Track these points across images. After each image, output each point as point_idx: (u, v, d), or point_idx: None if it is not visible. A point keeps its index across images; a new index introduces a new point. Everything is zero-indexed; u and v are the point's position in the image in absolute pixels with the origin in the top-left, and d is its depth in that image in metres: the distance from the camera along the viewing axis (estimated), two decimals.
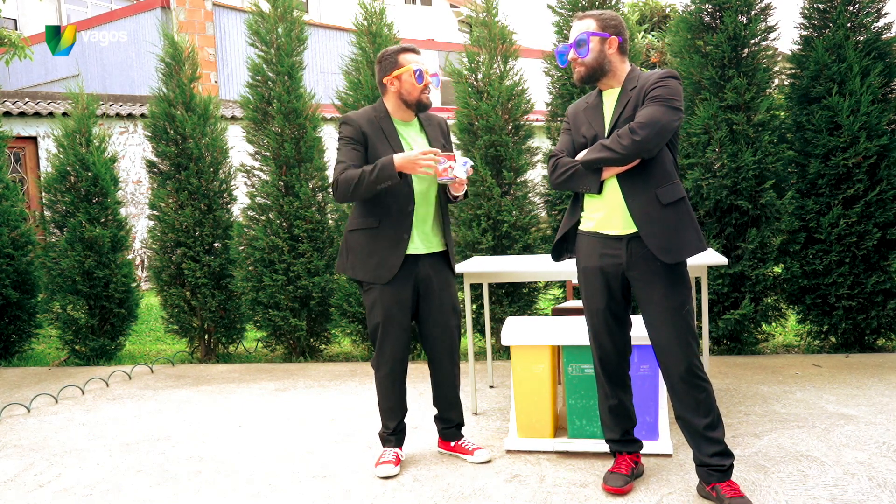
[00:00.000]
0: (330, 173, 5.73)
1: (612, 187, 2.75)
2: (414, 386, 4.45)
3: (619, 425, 2.95)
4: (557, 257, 2.97)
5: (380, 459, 3.22)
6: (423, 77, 3.09)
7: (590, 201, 2.83)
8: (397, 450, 3.25)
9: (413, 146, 3.15)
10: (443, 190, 3.19)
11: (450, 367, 3.26)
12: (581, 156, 2.77)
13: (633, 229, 2.73)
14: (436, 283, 3.16)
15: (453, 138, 5.41)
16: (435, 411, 3.45)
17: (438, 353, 3.24)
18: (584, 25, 2.78)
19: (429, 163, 2.92)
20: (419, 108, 3.15)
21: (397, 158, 2.93)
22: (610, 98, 2.81)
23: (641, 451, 3.07)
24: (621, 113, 2.73)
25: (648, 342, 3.10)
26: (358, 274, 3.13)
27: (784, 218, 4.85)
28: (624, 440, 2.97)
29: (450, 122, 3.88)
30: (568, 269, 3.68)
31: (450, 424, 3.34)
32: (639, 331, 3.06)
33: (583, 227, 2.87)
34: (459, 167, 2.97)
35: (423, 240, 3.13)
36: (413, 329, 3.85)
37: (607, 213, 2.78)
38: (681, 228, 2.70)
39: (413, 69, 3.07)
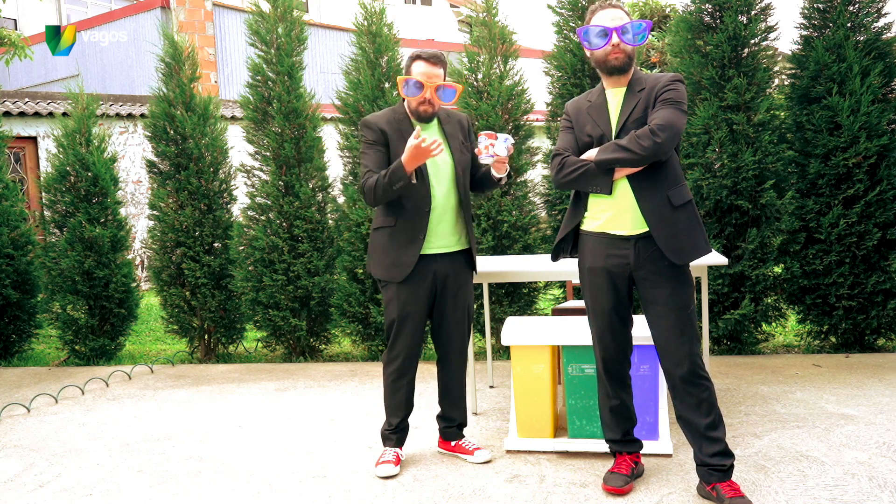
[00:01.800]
0: (330, 173, 5.73)
1: (623, 188, 2.72)
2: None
3: (620, 425, 2.95)
4: (555, 257, 2.97)
5: (380, 459, 3.22)
6: (413, 90, 3.02)
7: (596, 201, 2.80)
8: (397, 449, 3.26)
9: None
10: (465, 188, 3.15)
11: (458, 366, 3.28)
12: (591, 155, 2.73)
13: (642, 229, 2.72)
14: (454, 282, 3.17)
15: None
16: (437, 410, 3.45)
17: (449, 352, 3.25)
18: (618, 15, 2.72)
19: (430, 144, 2.83)
20: (418, 118, 3.10)
21: (404, 157, 2.91)
22: (615, 97, 2.78)
23: (641, 452, 3.07)
24: (630, 114, 2.71)
25: (649, 342, 3.10)
26: (376, 271, 3.16)
27: (784, 218, 4.85)
28: (624, 440, 2.96)
29: None
30: (568, 269, 3.68)
31: (452, 423, 3.34)
32: (639, 331, 3.06)
33: (587, 227, 2.84)
34: (500, 144, 2.93)
35: (441, 240, 3.11)
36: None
37: (616, 214, 2.75)
38: (691, 230, 2.71)
39: (405, 79, 3.02)
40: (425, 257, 3.10)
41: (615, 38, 2.70)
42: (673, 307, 2.70)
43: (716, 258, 3.63)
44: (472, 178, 3.28)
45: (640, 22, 2.71)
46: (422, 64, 3.05)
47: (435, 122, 3.20)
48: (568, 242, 2.92)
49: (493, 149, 2.93)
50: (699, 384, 2.70)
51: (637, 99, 2.72)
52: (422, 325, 3.16)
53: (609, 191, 2.73)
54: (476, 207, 5.25)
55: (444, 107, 3.22)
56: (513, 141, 2.99)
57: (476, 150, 3.02)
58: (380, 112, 3.18)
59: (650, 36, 15.71)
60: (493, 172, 3.09)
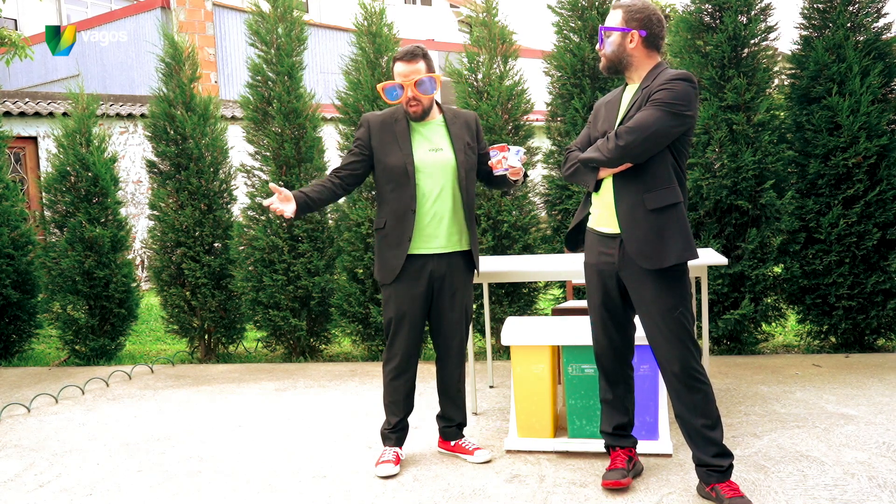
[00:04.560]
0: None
1: (608, 186, 2.77)
2: None
3: (611, 419, 2.97)
4: (573, 247, 3.00)
5: (380, 459, 3.22)
6: (396, 94, 3.06)
7: (593, 198, 2.87)
8: (397, 449, 3.26)
9: (429, 144, 3.12)
10: (467, 190, 3.15)
11: (457, 366, 3.29)
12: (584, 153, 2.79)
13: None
14: (451, 283, 3.17)
15: None
16: (437, 410, 3.45)
17: (448, 351, 3.26)
18: (610, 17, 2.78)
19: (273, 209, 2.99)
20: (411, 119, 3.13)
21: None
22: (629, 93, 2.80)
23: (642, 452, 3.07)
24: (628, 111, 2.72)
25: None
26: (375, 272, 3.21)
27: (784, 218, 4.85)
28: (615, 434, 2.97)
29: None
30: (568, 269, 3.69)
31: (451, 423, 3.34)
32: (640, 330, 3.06)
33: (589, 223, 2.92)
34: (513, 156, 3.00)
35: (435, 240, 3.11)
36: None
37: (602, 211, 2.81)
38: (665, 235, 2.66)
39: (383, 87, 3.07)
40: (419, 258, 3.11)
41: (598, 44, 2.79)
42: (659, 309, 2.70)
43: (715, 258, 3.63)
44: (488, 176, 3.27)
45: (603, 28, 2.76)
46: (400, 65, 3.07)
47: (441, 121, 3.20)
48: (584, 233, 2.96)
49: (507, 161, 3.00)
50: (694, 386, 2.69)
51: (639, 96, 2.72)
52: (419, 325, 3.17)
53: (592, 187, 2.79)
54: (476, 207, 5.25)
55: (447, 106, 3.23)
56: (524, 151, 3.04)
57: (490, 164, 3.05)
58: (382, 111, 3.21)
59: None
60: (509, 177, 3.10)
